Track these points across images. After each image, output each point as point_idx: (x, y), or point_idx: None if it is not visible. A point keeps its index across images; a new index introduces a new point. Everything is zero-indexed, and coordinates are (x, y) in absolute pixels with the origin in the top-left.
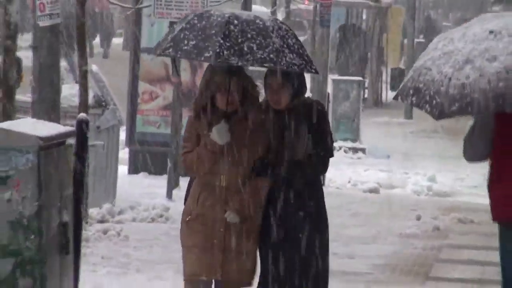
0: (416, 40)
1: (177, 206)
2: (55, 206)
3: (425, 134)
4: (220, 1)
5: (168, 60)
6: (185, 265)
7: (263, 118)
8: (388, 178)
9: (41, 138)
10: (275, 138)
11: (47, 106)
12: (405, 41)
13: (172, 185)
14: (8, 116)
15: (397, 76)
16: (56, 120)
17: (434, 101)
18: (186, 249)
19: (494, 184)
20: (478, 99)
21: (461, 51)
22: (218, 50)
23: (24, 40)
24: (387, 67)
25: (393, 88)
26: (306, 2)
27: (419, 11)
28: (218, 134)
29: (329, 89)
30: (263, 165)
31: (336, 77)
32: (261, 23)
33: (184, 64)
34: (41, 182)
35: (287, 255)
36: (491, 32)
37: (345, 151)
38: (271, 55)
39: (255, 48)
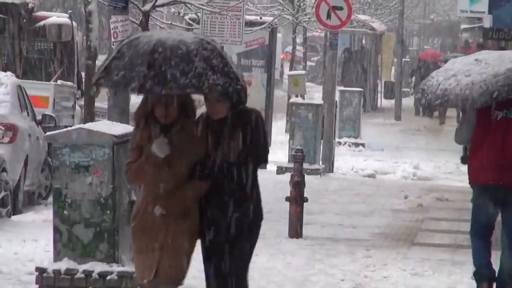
0: (403, 59)
1: None
2: (125, 188)
3: (411, 132)
4: (252, 30)
5: None
6: (136, 270)
7: (200, 128)
8: (382, 166)
9: (115, 136)
10: (213, 143)
11: (119, 111)
12: (395, 60)
13: None
14: (89, 119)
15: (389, 87)
16: (126, 122)
17: (427, 97)
18: (135, 254)
19: (471, 159)
20: (452, 99)
21: (454, 69)
22: (142, 82)
23: (101, 60)
24: (381, 81)
25: (385, 96)
26: (319, 31)
27: (406, 37)
28: (158, 148)
29: (337, 97)
30: (201, 167)
31: (342, 88)
32: (184, 48)
33: None
34: (115, 169)
35: (215, 257)
36: (476, 60)
37: (349, 145)
38: (193, 80)
39: (178, 74)
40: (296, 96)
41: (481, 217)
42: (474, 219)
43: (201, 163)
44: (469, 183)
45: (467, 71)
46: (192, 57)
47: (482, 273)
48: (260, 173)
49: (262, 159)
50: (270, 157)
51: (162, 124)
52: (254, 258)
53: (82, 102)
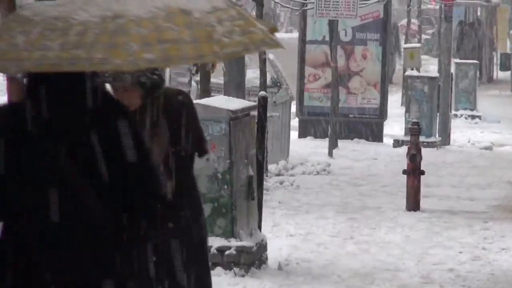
0: None
1: (337, 162)
2: (242, 163)
3: None
4: (366, 3)
5: (327, 49)
6: None
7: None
8: (499, 138)
9: (231, 111)
10: None
11: (235, 86)
12: (511, 32)
13: (332, 145)
14: (205, 94)
15: (505, 59)
16: (242, 97)
17: None
18: None
19: None
20: None
21: None
22: None
23: None
24: (497, 52)
25: (501, 68)
26: (433, 3)
27: None
28: None
29: (452, 70)
30: None
31: (458, 60)
32: None
33: (339, 51)
34: (232, 145)
35: None
36: None
37: (465, 118)
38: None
39: None
40: (412, 69)
41: None
42: None
43: None
44: None
45: None
46: None
47: None
48: (377, 146)
49: (200, 151)
50: (387, 130)
51: None
52: (371, 231)
53: (197, 78)
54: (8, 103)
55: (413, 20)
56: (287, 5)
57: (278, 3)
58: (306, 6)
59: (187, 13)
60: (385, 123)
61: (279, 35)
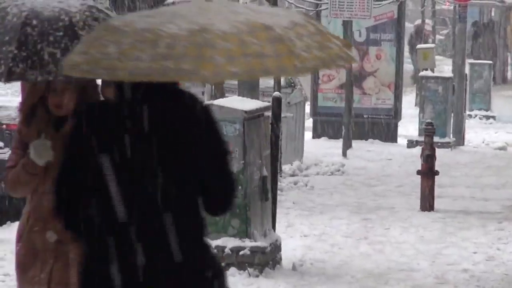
0: None
1: (351, 162)
2: (256, 164)
3: None
4: (381, 4)
5: None
6: None
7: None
8: None
9: (245, 112)
10: None
11: (249, 87)
12: None
13: (347, 146)
14: (220, 95)
15: None
16: (256, 97)
17: None
18: (19, 286)
19: None
20: None
21: None
22: (11, 65)
23: None
24: (511, 53)
25: None
26: (447, 4)
27: None
28: (36, 153)
29: (466, 70)
30: None
31: (472, 61)
32: (67, 19)
33: (353, 52)
34: (246, 145)
35: None
36: None
37: (479, 118)
38: None
39: (58, 55)
40: (426, 69)
41: None
42: None
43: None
44: None
45: None
46: (77, 30)
47: None
48: (391, 146)
49: None
50: (401, 130)
51: (54, 117)
52: (385, 232)
53: None
54: (99, 102)
55: (427, 21)
56: (301, 6)
57: (292, 3)
58: (320, 6)
59: (269, 28)
60: (399, 123)
61: None
